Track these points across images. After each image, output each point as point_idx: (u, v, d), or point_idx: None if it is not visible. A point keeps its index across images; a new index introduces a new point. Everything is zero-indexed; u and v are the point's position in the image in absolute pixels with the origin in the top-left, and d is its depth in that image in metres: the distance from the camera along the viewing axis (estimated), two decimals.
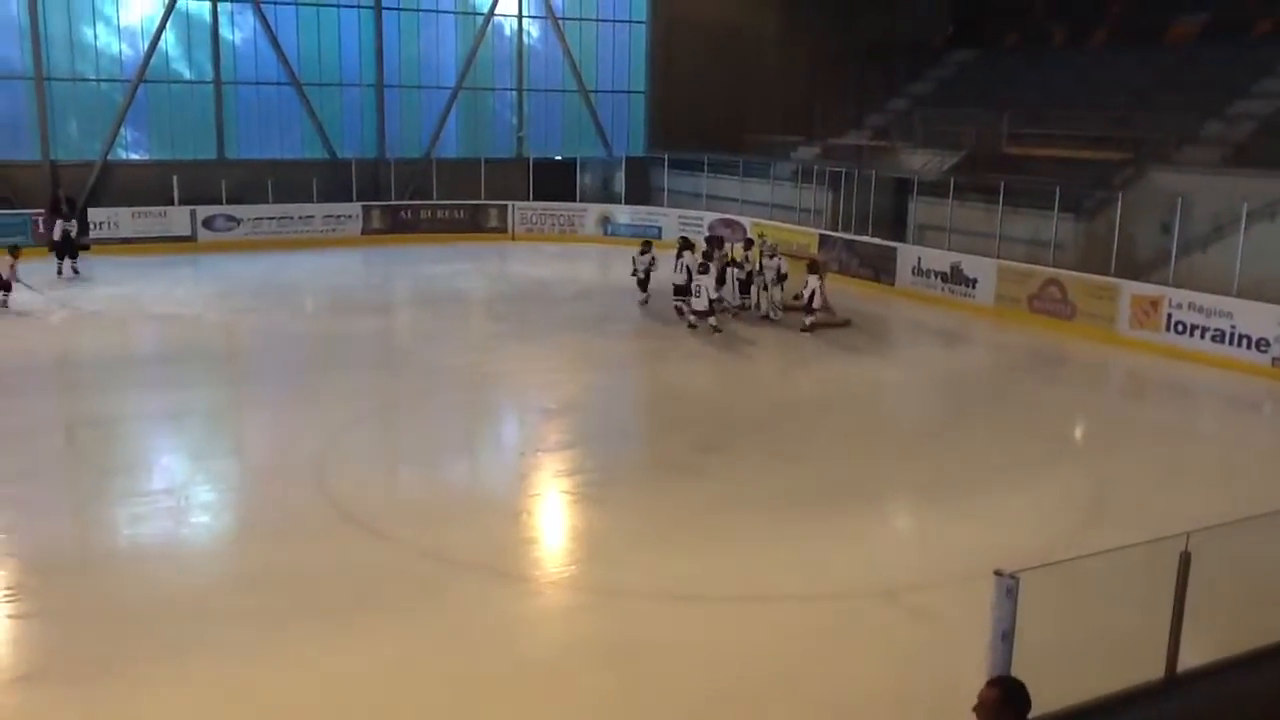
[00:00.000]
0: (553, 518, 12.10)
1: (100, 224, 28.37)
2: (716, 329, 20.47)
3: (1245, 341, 18.23)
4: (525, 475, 13.31)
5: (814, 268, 21.18)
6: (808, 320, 20.83)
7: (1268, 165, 20.71)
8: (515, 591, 9.92)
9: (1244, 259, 18.75)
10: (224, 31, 31.23)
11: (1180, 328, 19.25)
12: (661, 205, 33.50)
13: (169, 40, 30.62)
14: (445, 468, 13.67)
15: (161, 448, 14.11)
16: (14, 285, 21.23)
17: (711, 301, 20.38)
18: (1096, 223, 22.71)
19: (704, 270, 20.67)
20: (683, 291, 21.20)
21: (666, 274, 22.25)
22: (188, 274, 26.17)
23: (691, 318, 20.77)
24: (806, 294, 20.77)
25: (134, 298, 23.03)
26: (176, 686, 8.07)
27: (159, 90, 30.74)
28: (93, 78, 29.96)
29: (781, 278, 21.77)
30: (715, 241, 23.18)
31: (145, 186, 29.34)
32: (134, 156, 30.88)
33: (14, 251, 21.59)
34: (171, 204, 29.29)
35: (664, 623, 9.26)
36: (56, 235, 25.28)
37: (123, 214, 28.67)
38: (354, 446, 14.06)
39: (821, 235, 27.46)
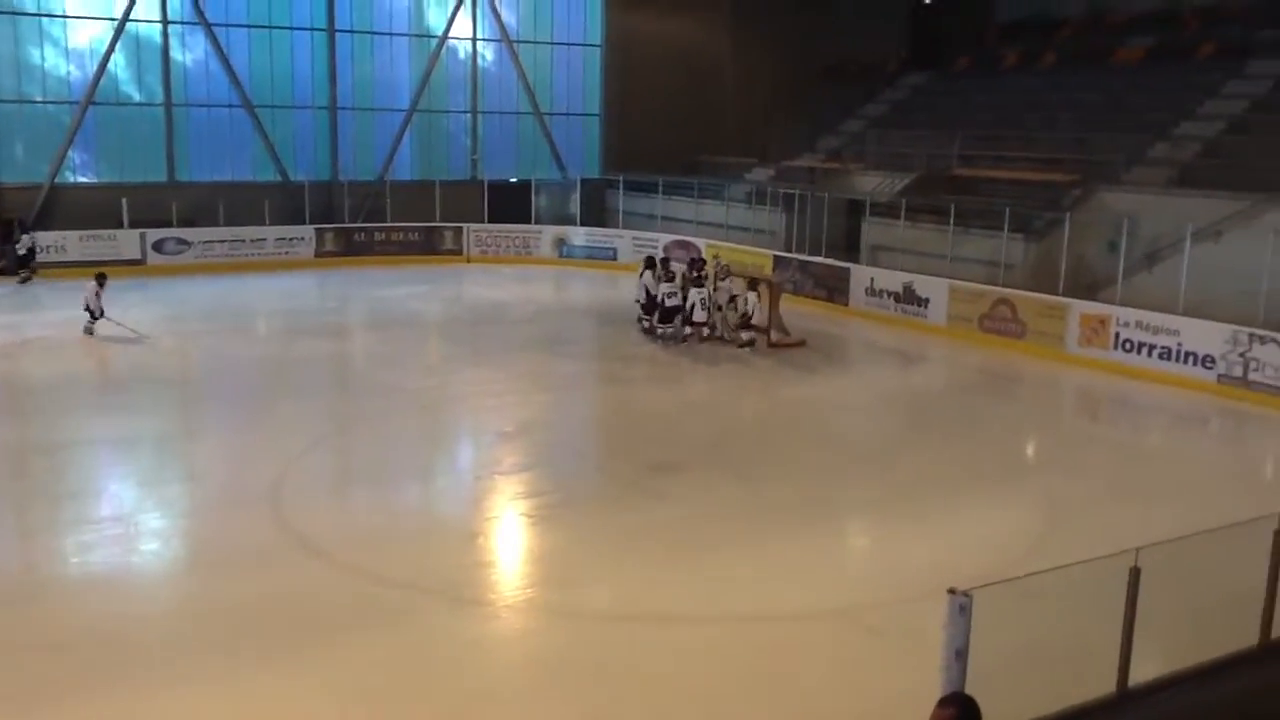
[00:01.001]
0: (509, 540, 12.04)
1: (48, 247, 27.98)
2: (703, 339, 21.37)
3: (1191, 359, 18.53)
4: (481, 498, 13.23)
5: (753, 285, 21.48)
6: (744, 336, 21.09)
7: (1212, 186, 21.14)
8: (473, 616, 9.85)
9: (1189, 278, 19.09)
10: (174, 53, 30.98)
11: (1128, 345, 19.53)
12: (617, 227, 33.58)
13: (118, 62, 30.32)
14: (401, 492, 13.54)
15: (110, 474, 13.88)
16: (101, 312, 21.02)
17: (709, 313, 21.29)
18: (1046, 243, 23.04)
19: (698, 284, 21.44)
20: (648, 310, 21.52)
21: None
22: (137, 298, 25.72)
23: (687, 330, 21.40)
24: (749, 309, 21.03)
25: (82, 322, 22.64)
26: (125, 719, 7.91)
27: (108, 112, 30.40)
28: (39, 99, 29.60)
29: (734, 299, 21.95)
30: (698, 263, 23.26)
31: (94, 209, 28.95)
32: (82, 179, 30.49)
33: (100, 280, 21.42)
34: (121, 227, 28.94)
35: (622, 644, 9.24)
36: (22, 250, 27.09)
37: (70, 237, 28.28)
38: (308, 472, 13.89)
39: (776, 256, 27.61)
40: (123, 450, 14.65)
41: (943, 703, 5.04)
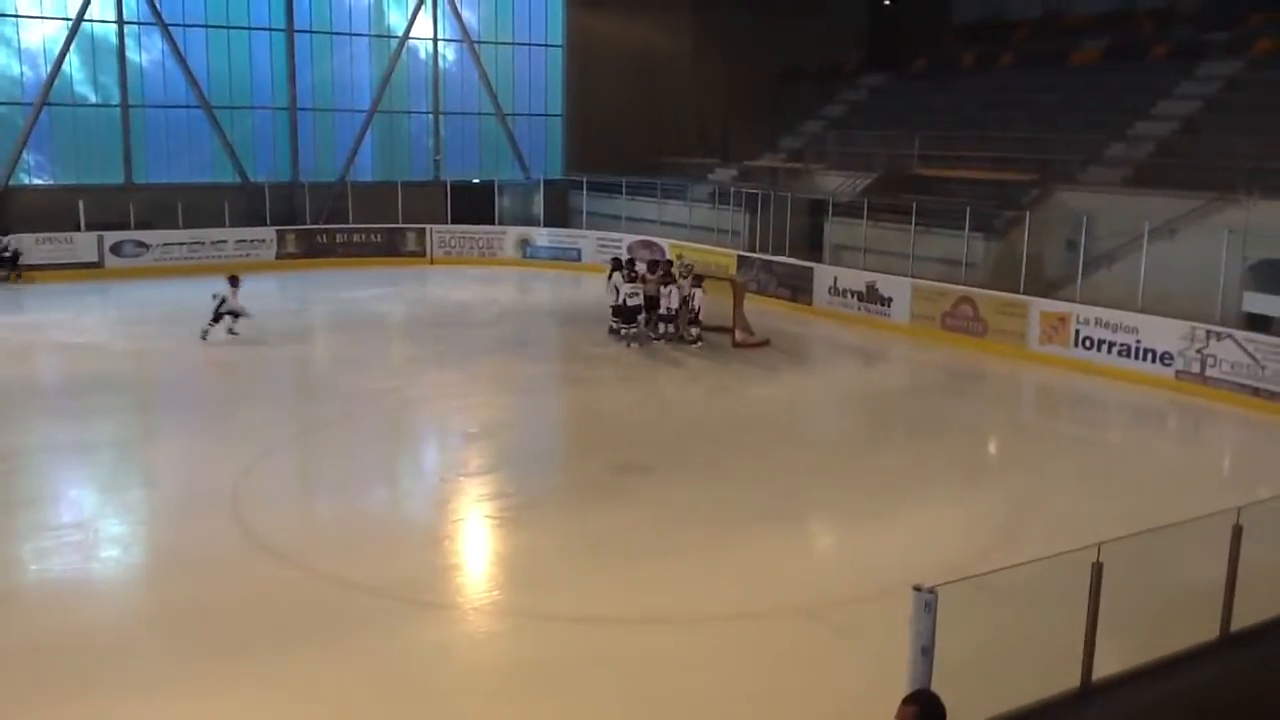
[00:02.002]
0: (475, 543, 12.00)
1: (2, 250, 27.57)
2: (657, 337, 21.67)
3: (1150, 355, 18.78)
4: (446, 501, 13.18)
5: (698, 281, 21.66)
6: (693, 332, 21.32)
7: (1167, 185, 21.44)
8: (439, 619, 9.81)
9: (1147, 275, 19.35)
10: (131, 53, 30.64)
11: (1088, 343, 19.76)
12: (581, 228, 33.55)
13: (73, 62, 29.93)
14: (364, 495, 13.44)
15: (69, 480, 13.68)
16: (241, 313, 21.04)
17: (675, 313, 21.44)
18: (1006, 242, 23.26)
19: (668, 283, 21.61)
20: (618, 312, 21.52)
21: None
22: (95, 301, 25.50)
23: (665, 328, 21.55)
24: (695, 306, 21.19)
25: (39, 326, 22.38)
26: None
27: (63, 113, 30.04)
28: None
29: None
30: (666, 264, 23.35)
31: (50, 212, 28.53)
32: (38, 181, 30.08)
33: (234, 280, 21.32)
34: (78, 229, 28.55)
35: (589, 646, 9.22)
36: (8, 253, 27.15)
37: (26, 240, 27.84)
38: (270, 476, 13.78)
39: (740, 256, 27.70)
40: (81, 456, 14.44)
41: (907, 700, 5.09)
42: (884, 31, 36.50)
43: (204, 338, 20.66)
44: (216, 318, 20.83)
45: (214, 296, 20.91)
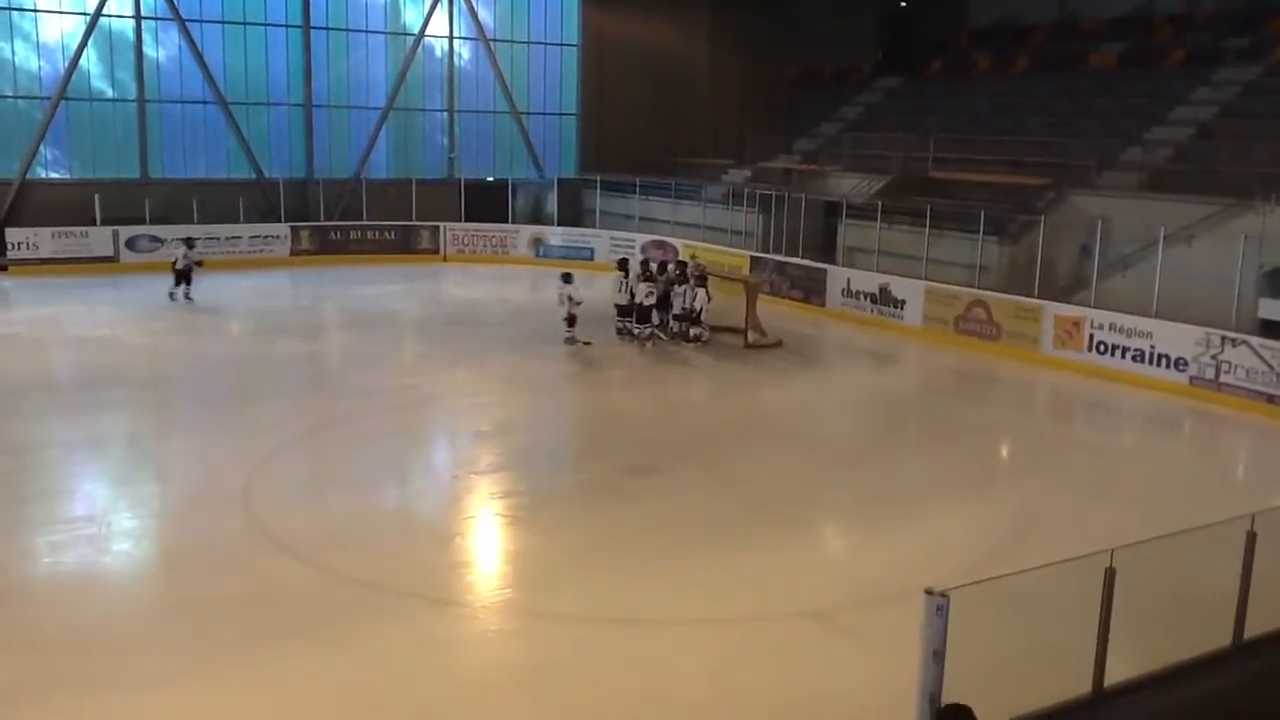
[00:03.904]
0: (486, 541, 12.01)
1: (19, 244, 27.71)
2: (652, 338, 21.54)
3: (1164, 361, 18.70)
4: (458, 498, 13.20)
5: (702, 281, 21.65)
6: (693, 332, 21.31)
7: (1183, 190, 21.35)
8: (449, 617, 9.82)
9: (1162, 280, 19.27)
10: (148, 49, 30.78)
11: (1102, 347, 19.70)
12: (594, 227, 33.56)
13: (91, 57, 30.07)
14: (376, 492, 13.47)
15: (82, 475, 13.72)
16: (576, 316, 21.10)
17: (694, 314, 21.39)
18: (1020, 245, 23.19)
19: (682, 283, 21.56)
20: (625, 312, 21.52)
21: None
22: (110, 296, 25.57)
23: (680, 326, 21.55)
24: (695, 306, 21.20)
25: (54, 320, 22.47)
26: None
27: (80, 108, 30.18)
28: (10, 94, 29.33)
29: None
30: (680, 264, 23.36)
31: (66, 206, 28.70)
32: (54, 175, 30.23)
33: (567, 278, 21.39)
34: (93, 224, 28.69)
35: (598, 647, 9.23)
36: (180, 265, 24.94)
37: (42, 234, 28.01)
38: (282, 472, 13.82)
39: (753, 257, 27.69)
40: (94, 450, 14.51)
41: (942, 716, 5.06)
42: (899, 35, 36.49)
43: (571, 343, 20.94)
44: (571, 319, 21.02)
45: (567, 299, 21.04)
